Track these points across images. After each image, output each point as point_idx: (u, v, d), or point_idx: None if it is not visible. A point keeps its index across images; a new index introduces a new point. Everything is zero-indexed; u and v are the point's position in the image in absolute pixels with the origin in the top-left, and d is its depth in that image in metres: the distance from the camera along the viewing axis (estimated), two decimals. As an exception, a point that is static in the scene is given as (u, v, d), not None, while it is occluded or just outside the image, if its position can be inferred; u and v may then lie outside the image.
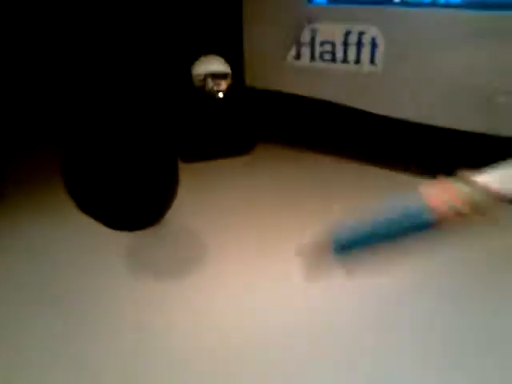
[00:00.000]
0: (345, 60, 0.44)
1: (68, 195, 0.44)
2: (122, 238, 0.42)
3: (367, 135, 0.56)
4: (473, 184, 0.17)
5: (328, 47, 0.44)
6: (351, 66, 0.44)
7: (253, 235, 0.42)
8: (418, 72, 0.42)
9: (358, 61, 0.44)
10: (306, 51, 0.45)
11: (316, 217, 0.44)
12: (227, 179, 0.51)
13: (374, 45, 0.43)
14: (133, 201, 0.41)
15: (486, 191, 0.17)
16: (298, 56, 0.45)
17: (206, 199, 0.47)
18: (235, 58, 0.47)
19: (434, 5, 0.40)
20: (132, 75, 0.37)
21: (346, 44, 0.43)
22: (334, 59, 0.44)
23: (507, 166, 0.19)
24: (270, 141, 0.57)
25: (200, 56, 0.46)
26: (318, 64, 0.45)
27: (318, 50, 0.44)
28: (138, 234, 0.43)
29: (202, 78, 0.48)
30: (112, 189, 0.40)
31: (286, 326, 0.35)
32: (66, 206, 0.44)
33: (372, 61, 0.43)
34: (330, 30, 0.43)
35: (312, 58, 0.45)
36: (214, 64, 0.48)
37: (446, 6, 0.40)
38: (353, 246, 0.18)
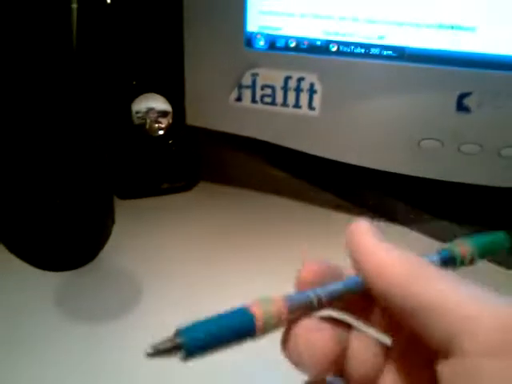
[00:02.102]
0: (284, 103, 0.45)
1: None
2: (52, 279, 0.40)
3: (310, 174, 0.57)
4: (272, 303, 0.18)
5: (268, 91, 0.45)
6: (290, 110, 0.45)
7: (190, 274, 0.41)
8: (353, 117, 0.44)
9: (297, 105, 0.45)
10: (247, 94, 0.46)
11: (259, 258, 0.44)
12: (166, 217, 0.50)
13: (312, 90, 0.45)
14: (64, 240, 0.40)
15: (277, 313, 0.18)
16: (239, 98, 0.46)
17: (143, 237, 0.46)
18: (176, 96, 0.47)
19: (367, 55, 0.43)
20: (67, 111, 0.36)
21: (285, 89, 0.45)
22: (274, 102, 0.46)
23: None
24: (213, 178, 0.57)
25: (140, 94, 0.46)
26: (259, 106, 0.46)
27: (258, 93, 0.45)
28: (69, 273, 0.41)
29: (141, 115, 0.48)
30: (41, 227, 0.39)
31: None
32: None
33: (310, 105, 0.45)
34: (271, 75, 0.45)
35: (253, 100, 0.46)
36: (154, 102, 0.48)
37: (379, 57, 0.42)
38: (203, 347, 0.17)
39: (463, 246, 0.21)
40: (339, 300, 0.20)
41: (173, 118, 0.50)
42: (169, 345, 0.16)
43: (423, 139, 0.43)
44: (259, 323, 0.17)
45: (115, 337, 0.35)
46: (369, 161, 0.45)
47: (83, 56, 0.39)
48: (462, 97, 0.41)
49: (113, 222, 0.43)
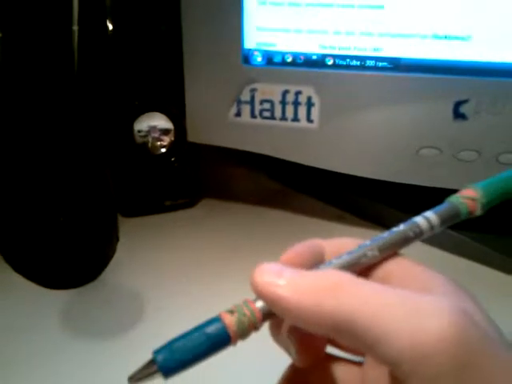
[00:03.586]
0: (283, 117, 0.46)
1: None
2: (55, 296, 0.40)
3: (312, 187, 0.57)
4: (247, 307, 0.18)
5: (267, 105, 0.46)
6: (289, 123, 0.46)
7: (195, 291, 0.41)
8: (352, 128, 0.45)
9: (295, 118, 0.46)
10: (246, 109, 0.46)
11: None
12: (170, 233, 0.51)
13: (310, 103, 0.45)
14: (67, 257, 0.40)
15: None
16: (238, 113, 0.46)
17: (146, 255, 0.46)
18: (177, 114, 0.48)
19: (363, 68, 0.43)
20: (70, 131, 0.37)
21: (283, 103, 0.45)
22: (273, 117, 0.46)
23: None
24: (216, 194, 0.58)
25: (142, 113, 0.47)
26: (259, 121, 0.47)
27: (257, 107, 0.46)
28: (72, 291, 0.41)
29: (144, 134, 0.49)
30: (44, 244, 0.39)
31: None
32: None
33: (309, 118, 0.45)
34: (269, 90, 0.46)
35: (252, 115, 0.46)
36: (156, 120, 0.49)
37: (375, 68, 0.43)
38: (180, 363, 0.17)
39: (472, 200, 0.20)
40: None
41: (174, 136, 0.51)
42: (146, 372, 0.17)
43: (422, 148, 0.44)
44: (233, 330, 0.17)
45: (119, 355, 0.36)
46: (369, 171, 0.46)
47: (84, 77, 0.40)
48: (458, 104, 0.41)
49: (117, 239, 0.43)
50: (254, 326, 0.18)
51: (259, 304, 0.18)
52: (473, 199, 0.20)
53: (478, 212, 0.20)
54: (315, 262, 0.19)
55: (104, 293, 0.42)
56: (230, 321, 0.17)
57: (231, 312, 0.18)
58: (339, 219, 0.52)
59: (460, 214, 0.20)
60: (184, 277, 0.44)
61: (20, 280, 0.40)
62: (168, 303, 0.40)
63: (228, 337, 0.17)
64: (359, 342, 0.14)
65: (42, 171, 0.37)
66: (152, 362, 0.17)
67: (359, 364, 0.21)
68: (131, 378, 0.17)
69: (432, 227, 0.20)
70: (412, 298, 0.14)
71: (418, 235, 0.20)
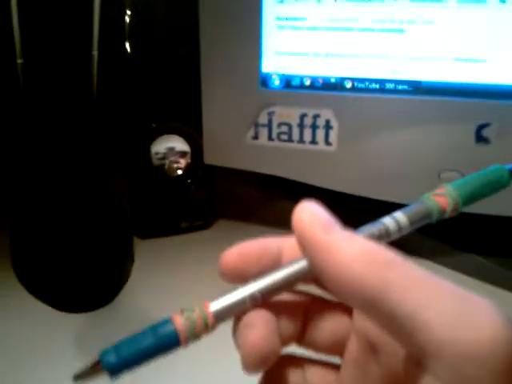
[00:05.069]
0: (301, 140, 0.46)
1: (13, 274, 0.42)
2: (69, 320, 0.40)
3: (330, 208, 0.57)
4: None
5: (285, 128, 0.46)
6: (307, 146, 0.46)
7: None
8: (371, 151, 0.44)
9: (313, 141, 0.45)
10: (263, 132, 0.46)
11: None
12: (186, 255, 0.50)
13: (328, 126, 0.45)
14: (83, 280, 0.40)
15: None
16: (256, 136, 0.46)
17: (162, 277, 0.46)
18: (194, 136, 0.48)
19: (382, 91, 0.43)
20: (87, 152, 0.37)
21: (301, 126, 0.45)
22: (291, 139, 0.46)
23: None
24: (231, 215, 0.57)
25: (159, 135, 0.47)
26: (276, 144, 0.46)
27: (275, 130, 0.46)
28: (87, 315, 0.41)
29: (161, 156, 0.49)
30: (60, 267, 0.39)
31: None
32: (7, 286, 0.42)
33: (327, 141, 0.45)
34: (287, 113, 0.45)
35: (270, 138, 0.46)
36: (173, 143, 0.49)
37: (394, 91, 0.43)
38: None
39: (441, 196, 0.18)
40: (282, 291, 0.18)
41: (191, 158, 0.51)
42: (91, 371, 0.17)
43: (443, 171, 0.43)
44: (182, 333, 0.17)
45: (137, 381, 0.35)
46: (388, 194, 0.45)
47: (103, 100, 0.40)
48: (480, 128, 0.40)
49: (132, 261, 0.43)
50: (206, 330, 0.17)
51: (213, 307, 0.18)
52: (442, 195, 0.18)
53: (450, 208, 0.18)
54: (265, 266, 0.18)
55: (119, 316, 0.41)
56: (181, 323, 0.17)
57: (184, 313, 0.17)
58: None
59: (431, 213, 0.18)
60: (200, 300, 0.44)
61: (34, 301, 0.40)
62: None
63: (177, 340, 0.17)
64: (395, 324, 0.13)
65: (59, 191, 0.37)
66: (98, 362, 0.17)
67: (331, 367, 0.20)
68: (77, 377, 0.17)
69: (400, 228, 0.18)
70: (462, 292, 0.14)
71: (384, 235, 0.18)
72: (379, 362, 0.17)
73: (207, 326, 0.17)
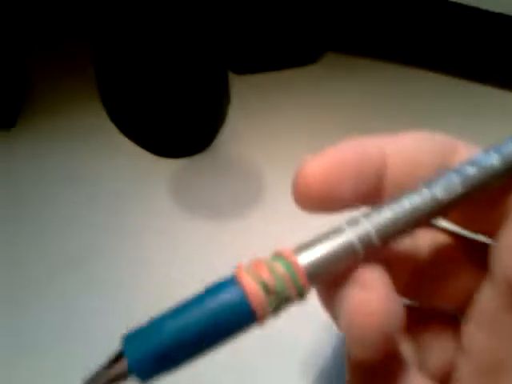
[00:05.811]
0: None
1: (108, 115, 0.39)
2: (165, 165, 0.37)
3: (442, 42, 0.46)
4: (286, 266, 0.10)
5: None
6: None
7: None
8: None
9: None
10: None
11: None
12: (288, 94, 0.44)
13: None
14: (175, 123, 0.36)
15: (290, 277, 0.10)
16: None
17: (263, 120, 0.40)
18: None
19: None
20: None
21: None
22: None
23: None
24: (343, 47, 0.48)
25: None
26: None
27: None
28: (183, 161, 0.37)
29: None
30: (154, 107, 0.35)
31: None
32: (100, 126, 0.39)
33: None
34: None
35: None
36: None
37: None
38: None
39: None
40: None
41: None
42: (110, 375, 0.10)
43: None
44: (256, 304, 0.10)
45: (234, 230, 0.32)
46: None
47: None
48: None
49: (228, 101, 0.38)
50: (297, 297, 0.11)
51: (304, 258, 0.11)
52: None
53: None
54: (366, 183, 0.12)
55: (217, 162, 0.38)
56: (254, 286, 0.11)
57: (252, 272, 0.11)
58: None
59: None
60: (305, 146, 0.38)
61: (130, 146, 0.38)
62: (287, 176, 0.35)
63: (250, 313, 0.10)
64: None
65: (152, 29, 0.32)
66: (121, 355, 0.10)
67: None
68: None
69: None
70: None
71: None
72: None
73: (300, 292, 0.11)
